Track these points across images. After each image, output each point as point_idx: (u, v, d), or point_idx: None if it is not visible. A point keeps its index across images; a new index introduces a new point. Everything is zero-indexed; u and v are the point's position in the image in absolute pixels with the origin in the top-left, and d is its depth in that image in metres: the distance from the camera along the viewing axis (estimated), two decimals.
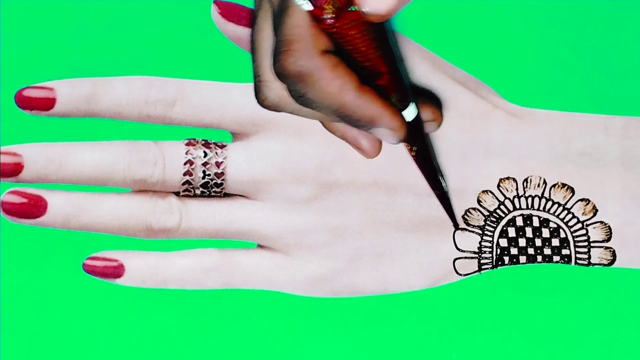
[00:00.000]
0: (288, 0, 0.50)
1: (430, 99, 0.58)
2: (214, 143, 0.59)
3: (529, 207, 0.59)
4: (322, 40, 0.50)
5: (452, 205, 0.59)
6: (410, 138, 0.55)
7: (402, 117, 0.53)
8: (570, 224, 0.59)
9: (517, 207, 0.59)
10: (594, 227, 0.59)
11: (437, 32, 0.61)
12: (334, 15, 0.48)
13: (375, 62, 0.51)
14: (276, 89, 0.53)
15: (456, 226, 0.59)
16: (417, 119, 0.54)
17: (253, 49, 0.54)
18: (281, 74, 0.50)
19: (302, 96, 0.51)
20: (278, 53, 0.50)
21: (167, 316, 0.60)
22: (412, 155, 0.56)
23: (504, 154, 0.59)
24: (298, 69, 0.50)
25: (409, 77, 0.58)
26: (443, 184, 0.58)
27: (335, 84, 0.50)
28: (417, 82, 0.59)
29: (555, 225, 0.59)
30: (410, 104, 0.53)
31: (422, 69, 0.59)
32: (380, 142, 0.57)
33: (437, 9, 0.60)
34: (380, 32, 0.50)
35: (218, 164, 0.59)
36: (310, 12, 0.49)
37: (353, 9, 0.48)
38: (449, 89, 0.60)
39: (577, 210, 0.59)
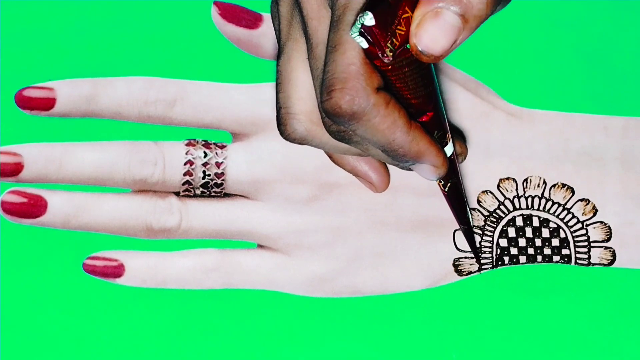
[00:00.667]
0: (339, 37, 0.48)
1: (456, 133, 0.58)
2: (214, 143, 0.59)
3: (529, 207, 0.59)
4: (375, 77, 0.48)
5: (475, 241, 0.59)
6: (445, 175, 0.54)
7: (445, 154, 0.52)
8: (570, 224, 0.59)
9: (517, 207, 0.60)
10: (594, 227, 0.59)
11: None
12: (391, 55, 0.47)
13: (422, 100, 0.50)
14: (305, 123, 0.52)
15: (478, 261, 0.59)
16: (453, 155, 0.54)
17: (280, 80, 0.52)
18: (333, 113, 0.48)
19: (346, 132, 0.50)
20: (330, 91, 0.48)
21: (167, 316, 0.60)
22: (444, 191, 0.56)
23: (503, 154, 0.59)
24: (354, 108, 0.48)
25: (447, 114, 0.58)
26: (471, 221, 0.58)
27: (387, 121, 0.49)
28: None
29: (555, 225, 0.59)
30: (449, 142, 0.53)
31: None
32: (388, 177, 0.57)
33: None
34: (428, 69, 0.50)
35: (218, 164, 0.59)
36: (365, 49, 0.47)
37: (408, 47, 0.47)
38: (449, 89, 0.60)
39: (577, 210, 0.59)
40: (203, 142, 0.59)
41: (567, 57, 0.60)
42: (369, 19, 0.46)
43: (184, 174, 0.59)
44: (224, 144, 0.59)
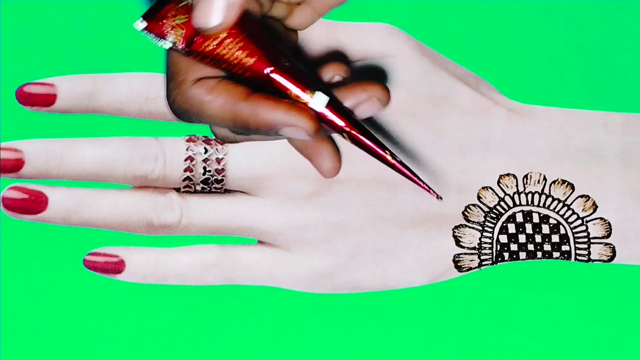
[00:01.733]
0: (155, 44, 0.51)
1: (373, 77, 0.57)
2: (214, 139, 0.59)
3: (529, 203, 0.59)
4: (196, 70, 0.51)
5: (415, 174, 0.53)
6: (333, 126, 0.51)
7: (305, 110, 0.50)
8: (570, 220, 0.59)
9: (517, 203, 0.60)
10: (594, 224, 0.59)
11: (438, 29, 0.61)
12: (182, 43, 0.49)
13: (256, 66, 0.50)
14: (219, 128, 0.54)
15: (428, 190, 0.53)
16: (333, 105, 0.50)
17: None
18: (173, 113, 0.52)
19: (210, 125, 0.52)
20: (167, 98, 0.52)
21: (168, 312, 0.60)
22: (350, 142, 0.52)
23: (504, 150, 0.60)
24: (178, 105, 0.51)
25: (304, 67, 0.53)
26: (390, 158, 0.52)
27: (217, 102, 0.50)
28: (366, 64, 0.58)
29: (555, 222, 0.59)
30: (316, 93, 0.50)
31: (422, 65, 0.59)
32: (339, 163, 0.53)
33: (438, 6, 0.60)
34: (252, 34, 0.50)
35: (218, 160, 0.59)
36: (170, 49, 0.50)
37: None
38: (450, 85, 0.60)
39: (577, 206, 0.59)
40: (203, 138, 0.59)
41: (568, 54, 0.60)
42: (139, 23, 0.50)
43: (185, 170, 0.59)
44: None
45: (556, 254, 0.59)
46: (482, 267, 0.60)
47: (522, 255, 0.59)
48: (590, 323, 0.59)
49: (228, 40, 0.50)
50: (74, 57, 0.60)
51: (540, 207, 0.59)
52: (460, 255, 0.59)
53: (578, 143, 0.60)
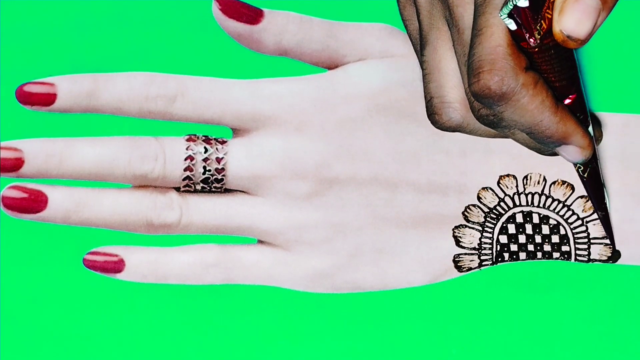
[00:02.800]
0: (485, 20, 0.49)
1: (592, 117, 0.59)
2: (214, 139, 0.59)
3: (529, 204, 0.59)
4: (523, 58, 0.50)
5: (612, 229, 0.59)
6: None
7: (591, 136, 0.52)
8: (570, 220, 0.59)
9: (517, 203, 0.60)
10: (594, 224, 0.59)
11: None
12: (539, 37, 0.48)
13: (566, 82, 0.51)
14: (461, 110, 0.53)
15: (614, 250, 0.59)
16: (594, 139, 0.54)
17: (428, 70, 0.53)
18: (483, 94, 0.49)
19: (495, 115, 0.51)
20: (478, 73, 0.49)
21: (168, 311, 0.60)
22: (583, 177, 0.56)
23: (504, 151, 0.60)
24: (503, 89, 0.49)
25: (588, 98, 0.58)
26: (608, 206, 0.58)
27: (535, 101, 0.50)
28: None
29: (555, 222, 0.59)
30: (590, 124, 0.53)
31: None
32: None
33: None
34: (570, 52, 0.50)
35: (218, 160, 0.59)
36: (512, 31, 0.49)
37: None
38: None
39: (577, 207, 0.59)
40: (203, 138, 0.59)
41: None
42: (522, 1, 0.47)
43: (185, 170, 0.59)
44: (225, 140, 0.59)
45: (556, 255, 0.59)
46: (482, 268, 0.60)
47: (522, 255, 0.59)
48: (591, 323, 0.59)
49: (561, 48, 0.50)
50: (74, 57, 0.60)
51: (540, 207, 0.59)
52: (460, 256, 0.59)
53: None
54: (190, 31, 0.60)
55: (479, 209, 0.60)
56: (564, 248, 0.59)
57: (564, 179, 0.59)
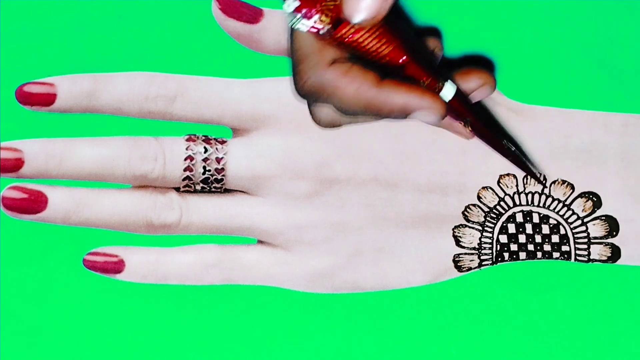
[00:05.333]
0: (290, 26, 0.51)
1: (477, 64, 0.58)
2: (214, 139, 0.59)
3: (529, 203, 0.60)
4: (329, 52, 0.51)
5: (526, 163, 0.57)
6: (457, 114, 0.54)
7: (435, 94, 0.52)
8: (570, 220, 0.59)
9: (517, 203, 0.60)
10: (594, 224, 0.59)
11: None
12: (330, 28, 0.49)
13: (392, 56, 0.51)
14: (325, 108, 0.54)
15: (537, 179, 0.59)
16: (459, 94, 0.53)
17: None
18: (301, 96, 0.52)
19: (333, 107, 0.52)
20: (292, 77, 0.52)
21: (168, 312, 0.60)
22: (470, 131, 0.55)
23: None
24: (310, 87, 0.51)
25: (435, 56, 0.56)
26: (510, 147, 0.56)
27: (351, 87, 0.51)
28: (454, 54, 0.59)
29: (555, 222, 0.59)
30: (445, 82, 0.53)
31: None
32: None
33: (438, 5, 0.60)
34: (389, 23, 0.51)
35: (218, 160, 0.59)
36: (308, 31, 0.50)
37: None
38: None
39: (577, 206, 0.59)
40: (203, 138, 0.59)
41: (568, 54, 0.60)
42: (291, 2, 0.50)
43: (184, 170, 0.59)
44: (224, 140, 0.59)
45: (556, 254, 0.59)
46: (482, 267, 0.60)
47: (522, 255, 0.59)
48: (590, 323, 0.59)
49: (369, 28, 0.50)
50: (74, 56, 0.60)
51: (540, 207, 0.59)
52: (460, 255, 0.59)
53: (578, 143, 0.60)
54: (190, 31, 0.60)
55: (479, 209, 0.60)
56: (564, 248, 0.59)
57: (564, 179, 0.59)
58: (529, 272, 0.60)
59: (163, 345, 0.60)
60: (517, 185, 0.59)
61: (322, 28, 0.50)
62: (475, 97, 0.55)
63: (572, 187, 0.59)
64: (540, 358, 0.59)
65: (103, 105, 0.59)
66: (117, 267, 0.59)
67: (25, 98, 0.59)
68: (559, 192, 0.59)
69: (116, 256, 0.59)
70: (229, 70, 0.60)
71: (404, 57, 0.51)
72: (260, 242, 0.60)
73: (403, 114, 0.51)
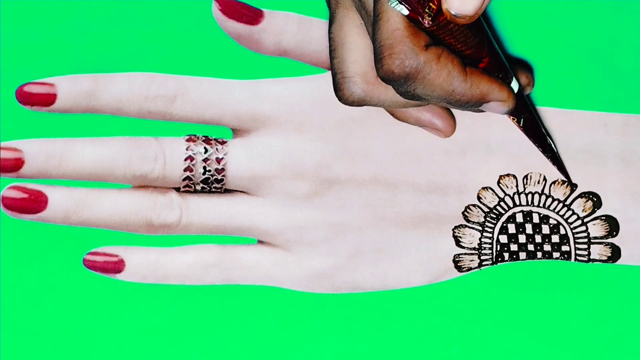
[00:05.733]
0: (381, 6, 0.50)
1: (519, 65, 0.59)
2: (214, 139, 0.59)
3: (529, 203, 0.59)
4: (422, 37, 0.50)
5: (564, 164, 0.59)
6: (516, 110, 0.56)
7: (509, 88, 0.53)
8: (570, 220, 0.59)
9: (517, 203, 0.60)
10: (594, 224, 0.59)
11: None
12: (430, 19, 0.50)
13: (475, 49, 0.52)
14: (362, 84, 0.53)
15: (570, 182, 0.59)
16: (520, 91, 0.55)
17: (334, 46, 0.54)
18: (388, 78, 0.51)
19: (409, 92, 0.52)
20: (380, 59, 0.50)
21: (168, 312, 0.60)
22: (520, 127, 0.57)
23: (504, 150, 0.60)
24: (406, 70, 0.50)
25: (505, 53, 0.59)
26: (554, 147, 0.58)
27: (442, 74, 0.51)
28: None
29: (555, 222, 0.59)
30: (513, 79, 0.54)
31: None
32: (454, 120, 0.58)
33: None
34: (474, 21, 0.52)
35: (218, 160, 0.59)
36: (407, 16, 0.50)
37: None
38: None
39: (577, 206, 0.59)
40: (203, 138, 0.59)
41: (568, 55, 0.60)
42: None
43: (185, 170, 0.59)
44: (225, 140, 0.59)
45: (556, 254, 0.59)
46: (482, 267, 0.60)
47: (522, 255, 0.59)
48: (590, 323, 0.59)
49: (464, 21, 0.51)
50: (74, 56, 0.60)
51: (540, 207, 0.59)
52: (460, 256, 0.59)
53: (578, 143, 0.60)
54: (190, 31, 0.60)
55: (479, 209, 0.60)
56: (564, 248, 0.59)
57: (564, 179, 0.59)
58: (529, 272, 0.60)
59: (163, 345, 0.60)
60: (517, 186, 0.59)
61: (425, 18, 0.50)
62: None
63: (572, 187, 0.59)
64: (540, 358, 0.59)
65: (103, 105, 0.59)
66: (117, 267, 0.59)
67: (25, 98, 0.59)
68: (559, 192, 0.59)
69: (116, 256, 0.59)
70: (229, 71, 0.60)
71: (484, 54, 0.52)
72: (260, 242, 0.60)
73: (480, 103, 0.52)
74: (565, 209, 0.59)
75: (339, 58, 0.54)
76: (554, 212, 0.59)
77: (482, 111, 0.54)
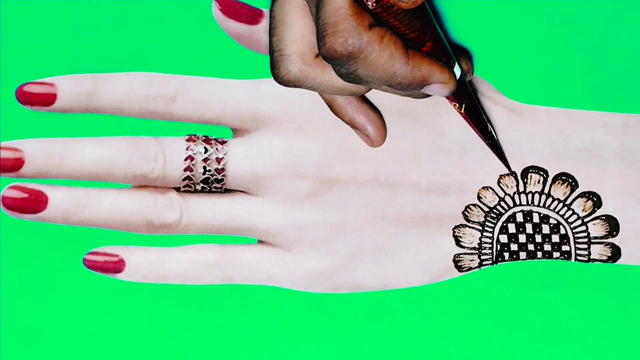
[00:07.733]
0: None
1: (461, 52, 0.59)
2: (214, 139, 0.59)
3: (529, 203, 0.59)
4: (366, 17, 0.51)
5: (503, 151, 0.59)
6: (458, 95, 0.56)
7: (451, 70, 0.53)
8: (570, 220, 0.59)
9: (517, 203, 0.60)
10: (594, 224, 0.59)
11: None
12: (375, 0, 0.50)
13: (419, 32, 0.52)
14: (298, 63, 0.53)
15: (510, 172, 0.59)
16: (462, 76, 0.55)
17: (274, 24, 0.54)
18: (330, 56, 0.51)
19: (350, 74, 0.52)
20: (323, 36, 0.50)
21: (168, 312, 0.60)
22: (461, 113, 0.56)
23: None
24: (348, 49, 0.50)
25: (448, 39, 0.58)
26: (494, 134, 0.58)
27: (384, 55, 0.51)
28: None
29: (556, 222, 0.59)
30: (455, 64, 0.54)
31: None
32: (385, 131, 0.58)
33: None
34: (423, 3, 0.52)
35: (218, 160, 0.59)
36: None
37: None
38: None
39: (577, 206, 0.59)
40: (203, 138, 0.59)
41: (568, 54, 0.60)
42: None
43: (185, 170, 0.59)
44: (225, 140, 0.59)
45: (556, 254, 0.59)
46: (482, 267, 0.60)
47: (522, 255, 0.59)
48: (591, 323, 0.59)
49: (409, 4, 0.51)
50: (74, 56, 0.60)
51: (541, 207, 0.59)
52: (460, 255, 0.59)
53: (578, 143, 0.60)
54: (190, 31, 0.60)
55: (479, 209, 0.60)
56: (564, 247, 0.59)
57: (564, 178, 0.59)
58: (529, 272, 0.60)
59: (163, 345, 0.60)
60: (517, 185, 0.59)
61: (370, 1, 0.50)
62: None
63: (572, 187, 0.59)
64: (540, 358, 0.59)
65: (103, 105, 0.59)
66: (117, 266, 0.59)
67: (25, 98, 0.59)
68: (559, 192, 0.59)
69: (116, 256, 0.59)
70: (229, 71, 0.60)
71: (428, 37, 0.52)
72: (260, 242, 0.60)
73: (421, 85, 0.52)
74: (566, 208, 0.59)
75: (278, 36, 0.54)
76: (554, 211, 0.59)
77: (424, 95, 0.54)
